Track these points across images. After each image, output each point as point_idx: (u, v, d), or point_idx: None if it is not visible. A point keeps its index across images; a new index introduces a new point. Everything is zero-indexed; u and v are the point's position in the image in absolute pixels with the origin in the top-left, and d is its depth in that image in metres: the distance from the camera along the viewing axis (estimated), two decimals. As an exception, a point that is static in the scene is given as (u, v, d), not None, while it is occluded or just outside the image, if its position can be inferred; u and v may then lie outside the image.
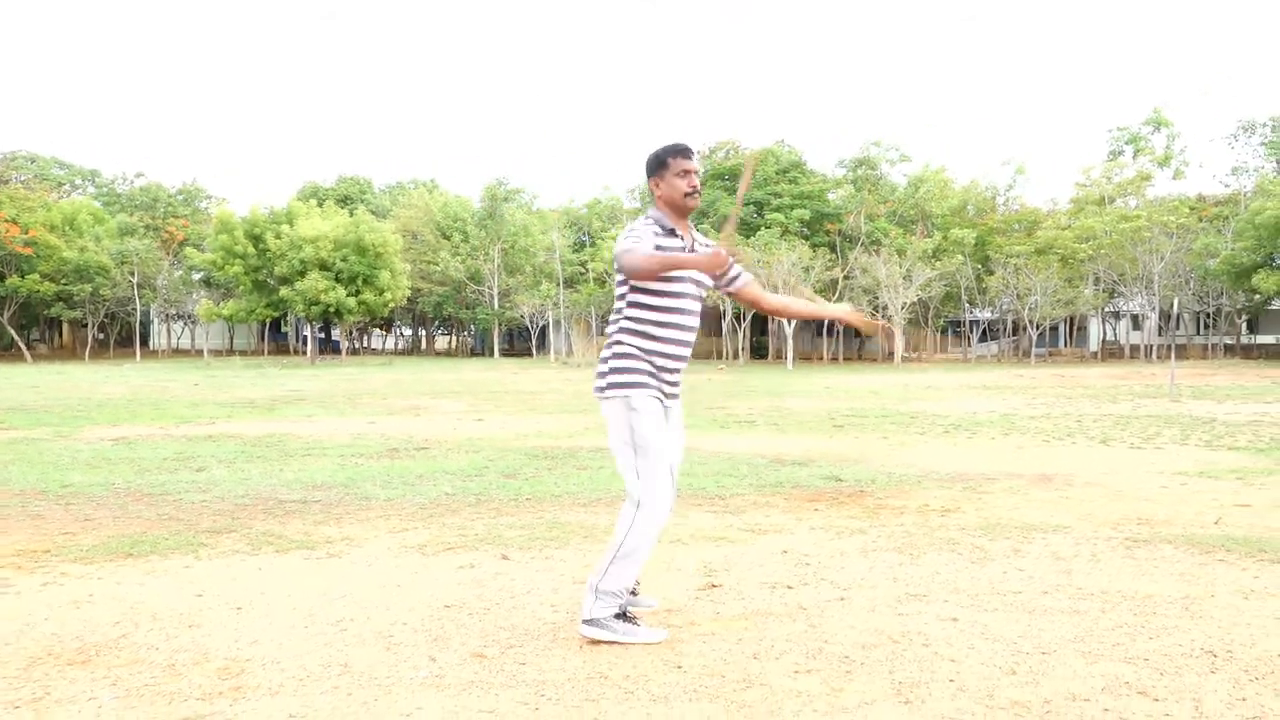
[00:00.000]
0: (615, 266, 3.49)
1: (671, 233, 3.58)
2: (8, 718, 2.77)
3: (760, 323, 50.20)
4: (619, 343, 3.55)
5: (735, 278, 3.81)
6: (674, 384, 3.64)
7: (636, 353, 3.52)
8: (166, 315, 59.67)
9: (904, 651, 3.33)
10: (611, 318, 3.63)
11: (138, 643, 3.47)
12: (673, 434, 3.64)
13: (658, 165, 3.59)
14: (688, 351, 3.64)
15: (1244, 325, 51.36)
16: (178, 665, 3.22)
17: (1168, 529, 5.54)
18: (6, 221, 46.82)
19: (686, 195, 3.56)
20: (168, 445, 10.31)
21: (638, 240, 3.45)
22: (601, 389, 3.56)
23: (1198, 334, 52.32)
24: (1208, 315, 50.39)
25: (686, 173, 3.56)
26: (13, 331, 51.68)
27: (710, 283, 3.70)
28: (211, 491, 7.05)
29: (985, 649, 3.35)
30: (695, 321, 3.64)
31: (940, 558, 4.82)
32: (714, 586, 4.25)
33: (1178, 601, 3.96)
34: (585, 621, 3.46)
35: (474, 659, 3.27)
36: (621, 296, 3.59)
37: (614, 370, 3.53)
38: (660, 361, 3.55)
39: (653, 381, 3.53)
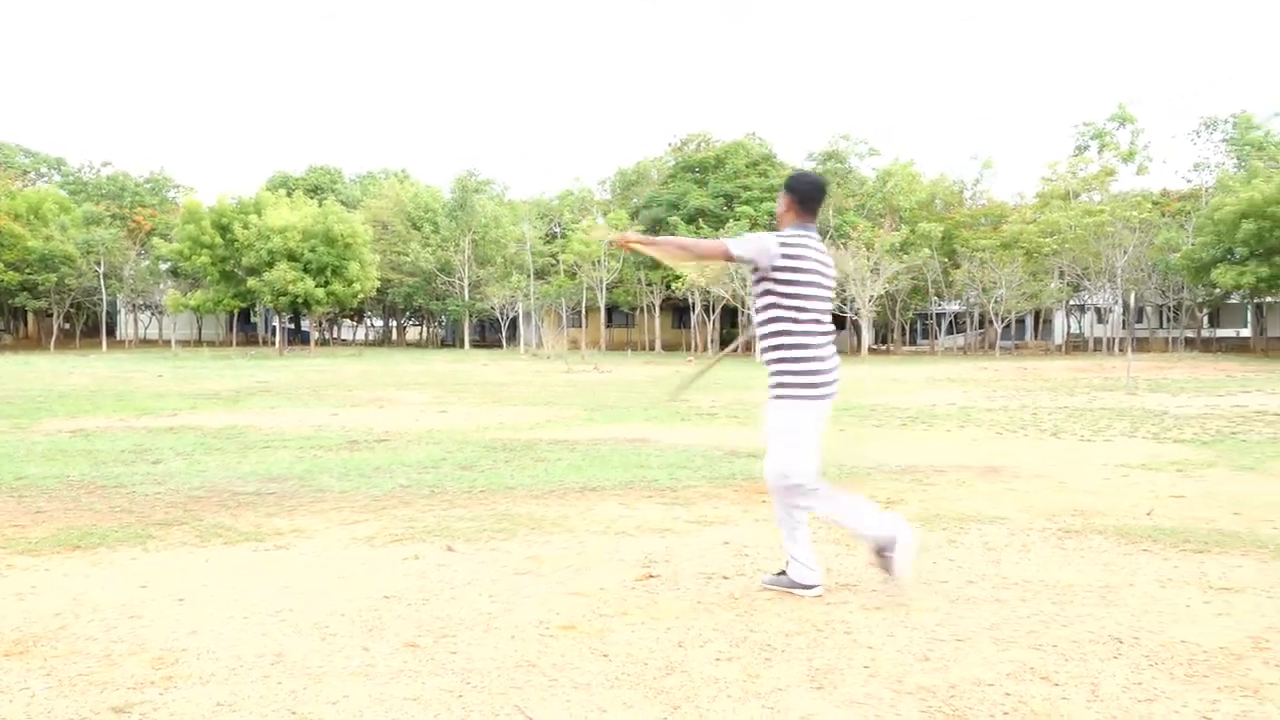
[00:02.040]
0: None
1: None
2: (-60, 707, 2.83)
3: (730, 315, 50.37)
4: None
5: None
6: None
7: None
8: (134, 305, 59.09)
9: (825, 639, 3.44)
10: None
11: (76, 634, 3.52)
12: None
13: None
14: None
15: (1205, 319, 52.14)
16: (114, 655, 3.28)
17: (1101, 520, 5.70)
18: (-32, 210, 46.19)
19: None
20: (127, 437, 10.29)
21: None
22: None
23: (1160, 327, 53.06)
24: (1170, 309, 51.11)
25: None
26: (-25, 321, 51.03)
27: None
28: (166, 484, 7.07)
29: (903, 636, 3.47)
30: None
31: (876, 549, 4.93)
32: (651, 577, 4.35)
33: (1096, 590, 4.11)
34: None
35: (406, 648, 3.35)
36: None
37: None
38: None
39: None
